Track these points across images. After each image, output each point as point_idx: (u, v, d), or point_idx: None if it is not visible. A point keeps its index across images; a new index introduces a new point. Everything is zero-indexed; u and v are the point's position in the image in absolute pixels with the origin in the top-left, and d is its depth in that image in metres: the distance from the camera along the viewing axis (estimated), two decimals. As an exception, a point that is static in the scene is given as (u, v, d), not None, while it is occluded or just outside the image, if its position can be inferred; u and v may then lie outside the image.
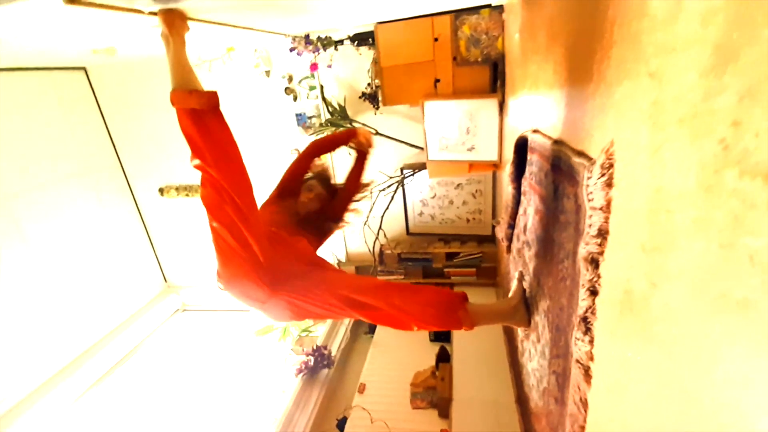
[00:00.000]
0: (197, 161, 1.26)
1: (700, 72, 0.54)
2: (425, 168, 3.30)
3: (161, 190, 4.14)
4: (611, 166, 0.86)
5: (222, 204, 1.28)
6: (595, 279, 0.97)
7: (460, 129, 2.96)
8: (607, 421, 0.95)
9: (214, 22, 2.00)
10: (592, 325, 1.01)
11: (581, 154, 1.05)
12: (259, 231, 1.33)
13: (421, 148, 3.30)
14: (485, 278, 3.61)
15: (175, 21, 1.39)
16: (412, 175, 3.53)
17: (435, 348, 3.02)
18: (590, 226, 0.96)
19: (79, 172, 3.69)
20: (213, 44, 3.34)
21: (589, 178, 0.96)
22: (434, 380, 2.75)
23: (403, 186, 3.61)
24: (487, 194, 3.56)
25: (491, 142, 2.92)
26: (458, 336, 2.93)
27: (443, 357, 2.91)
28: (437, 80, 2.91)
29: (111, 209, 3.99)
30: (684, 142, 0.59)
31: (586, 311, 1.02)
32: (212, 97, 1.27)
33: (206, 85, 1.30)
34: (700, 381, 0.56)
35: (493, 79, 2.84)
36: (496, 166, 3.09)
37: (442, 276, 3.72)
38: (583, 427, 1.10)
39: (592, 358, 1.02)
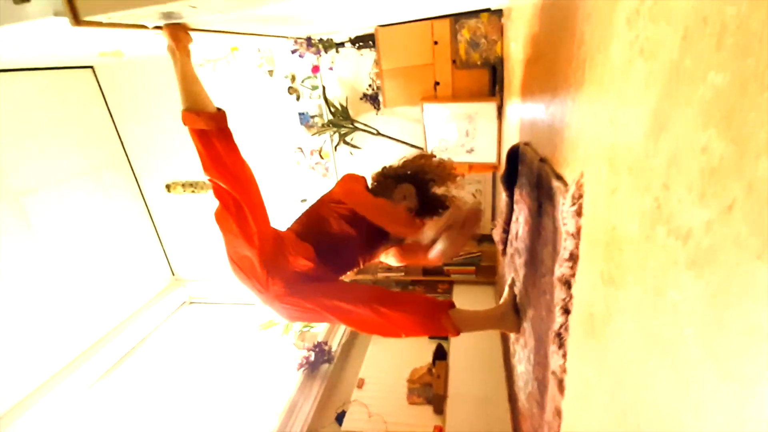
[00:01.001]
0: (208, 176, 1.37)
1: (644, 130, 0.59)
2: (425, 168, 3.34)
3: (168, 187, 4.23)
4: (581, 196, 0.91)
5: (228, 216, 1.38)
6: (567, 299, 1.02)
7: (459, 132, 2.99)
8: (576, 430, 1.02)
9: (216, 31, 2.06)
10: (565, 340, 1.07)
11: (560, 177, 1.10)
12: (264, 241, 1.40)
13: (422, 149, 3.34)
14: (484, 276, 3.66)
15: (179, 34, 1.45)
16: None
17: (432, 345, 3.10)
18: (564, 249, 1.01)
19: (88, 169, 3.79)
20: (217, 45, 3.39)
21: (563, 203, 1.00)
22: (430, 377, 2.83)
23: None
24: (487, 194, 3.60)
25: (490, 145, 2.95)
26: (454, 335, 3.01)
27: (440, 355, 2.99)
28: (437, 83, 2.93)
29: (119, 205, 4.09)
30: (632, 189, 0.64)
31: (560, 327, 1.08)
32: (220, 120, 1.36)
33: (212, 91, 1.39)
34: (639, 410, 0.62)
35: (492, 82, 2.86)
36: (495, 168, 3.12)
37: (442, 274, 3.78)
38: (557, 434, 1.17)
39: (565, 371, 1.08)
